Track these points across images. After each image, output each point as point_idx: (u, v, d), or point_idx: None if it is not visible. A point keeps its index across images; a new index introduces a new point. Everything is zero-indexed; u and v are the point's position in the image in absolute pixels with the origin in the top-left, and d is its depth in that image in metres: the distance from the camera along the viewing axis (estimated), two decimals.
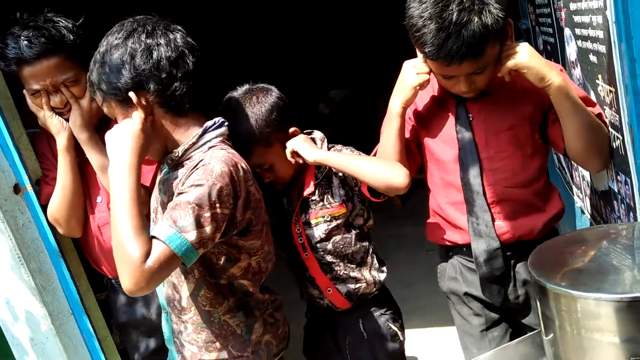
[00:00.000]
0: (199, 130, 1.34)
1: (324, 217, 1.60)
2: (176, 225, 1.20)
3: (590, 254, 1.01)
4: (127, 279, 1.17)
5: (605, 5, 1.23)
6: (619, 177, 1.40)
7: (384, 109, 1.51)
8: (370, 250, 1.68)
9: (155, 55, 1.28)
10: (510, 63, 1.33)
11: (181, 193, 1.24)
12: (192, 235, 1.20)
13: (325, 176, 1.62)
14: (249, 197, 1.32)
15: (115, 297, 1.89)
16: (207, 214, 1.22)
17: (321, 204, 1.61)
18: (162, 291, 1.47)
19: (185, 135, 1.35)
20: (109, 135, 1.32)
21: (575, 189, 2.02)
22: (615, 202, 1.49)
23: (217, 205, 1.23)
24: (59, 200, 1.70)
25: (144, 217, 1.24)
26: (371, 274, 1.67)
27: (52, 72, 1.60)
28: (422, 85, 1.42)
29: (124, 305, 1.88)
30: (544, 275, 0.95)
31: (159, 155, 1.39)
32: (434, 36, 1.28)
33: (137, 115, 1.29)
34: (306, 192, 1.60)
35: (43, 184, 1.77)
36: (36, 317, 1.77)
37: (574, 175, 1.99)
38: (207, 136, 1.35)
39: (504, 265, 1.50)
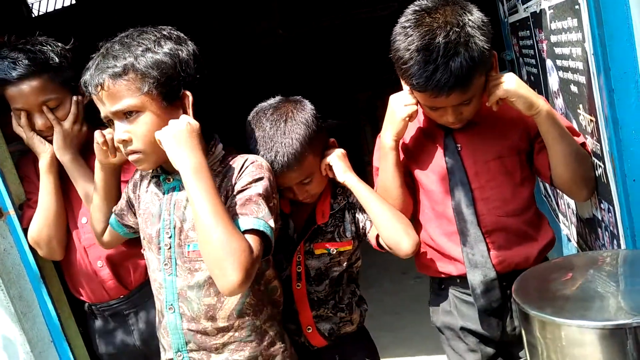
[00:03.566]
0: (214, 142, 1.36)
1: (329, 249, 1.53)
2: (259, 215, 1.22)
3: (574, 281, 1.02)
4: (238, 273, 1.15)
5: (584, 38, 1.27)
6: (602, 205, 1.42)
7: (372, 137, 1.51)
8: (358, 292, 1.63)
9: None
10: (500, 92, 1.34)
11: (242, 191, 1.26)
12: (272, 223, 1.23)
13: (340, 209, 1.55)
14: None
15: (94, 325, 1.84)
16: (272, 204, 1.27)
17: (330, 235, 1.54)
18: (181, 328, 1.37)
19: None
20: (164, 136, 1.23)
21: (561, 217, 2.04)
22: (599, 229, 1.50)
23: (273, 195, 1.30)
24: (40, 222, 1.68)
25: None
26: (357, 315, 1.61)
27: (35, 93, 1.61)
28: (412, 117, 1.42)
29: (104, 334, 1.82)
30: (529, 302, 0.95)
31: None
32: (421, 68, 1.29)
33: (186, 118, 1.25)
34: (321, 222, 1.53)
35: (26, 207, 1.75)
36: (15, 344, 1.73)
37: (559, 203, 2.01)
38: (219, 147, 1.37)
39: (501, 296, 1.47)
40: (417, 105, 1.42)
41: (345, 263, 1.56)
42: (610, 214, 1.36)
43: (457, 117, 1.40)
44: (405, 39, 1.32)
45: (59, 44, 1.68)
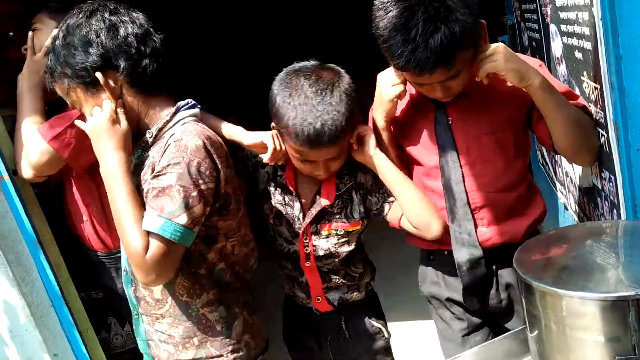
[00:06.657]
0: (172, 109, 1.32)
1: (337, 230, 1.50)
2: (164, 213, 1.18)
3: (575, 252, 1.02)
4: (137, 272, 1.20)
5: (592, 2, 1.23)
6: (603, 175, 1.41)
7: None
8: (366, 257, 1.64)
9: (122, 31, 1.26)
10: (488, 67, 1.30)
11: (158, 175, 1.21)
12: (183, 219, 1.18)
13: (347, 189, 1.49)
14: (227, 170, 1.29)
15: (96, 268, 1.96)
16: (195, 193, 1.19)
17: (338, 216, 1.49)
18: (130, 291, 1.42)
19: (157, 116, 1.32)
20: (89, 131, 1.29)
21: (558, 185, 2.03)
22: (599, 199, 1.50)
23: (200, 181, 1.21)
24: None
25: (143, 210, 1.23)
26: (365, 282, 1.63)
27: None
28: (400, 97, 1.40)
29: (90, 274, 1.98)
30: (530, 273, 0.95)
31: (132, 139, 1.34)
32: (400, 48, 1.25)
33: (108, 105, 1.27)
34: (324, 203, 1.47)
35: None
36: (14, 309, 1.75)
37: (557, 172, 2.00)
38: (180, 114, 1.32)
39: (486, 272, 1.47)
40: (404, 83, 1.39)
41: (354, 242, 1.54)
42: (611, 184, 1.35)
43: (446, 92, 1.36)
44: (384, 15, 1.27)
45: None
